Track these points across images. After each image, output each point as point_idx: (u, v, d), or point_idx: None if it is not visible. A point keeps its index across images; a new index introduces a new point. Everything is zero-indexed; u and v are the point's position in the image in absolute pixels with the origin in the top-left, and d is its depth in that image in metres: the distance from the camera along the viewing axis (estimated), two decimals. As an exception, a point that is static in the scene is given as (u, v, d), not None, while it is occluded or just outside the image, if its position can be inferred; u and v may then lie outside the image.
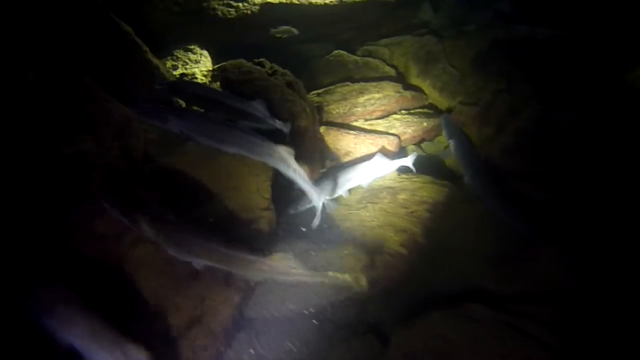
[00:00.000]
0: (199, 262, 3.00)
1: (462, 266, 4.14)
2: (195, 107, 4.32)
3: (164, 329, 2.84)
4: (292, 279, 3.21)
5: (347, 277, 3.33)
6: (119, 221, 3.04)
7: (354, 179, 4.69)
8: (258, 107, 4.29)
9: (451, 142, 5.22)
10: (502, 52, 5.64)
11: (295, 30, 5.93)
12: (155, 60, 5.07)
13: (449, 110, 5.79)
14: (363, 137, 5.25)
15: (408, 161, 4.91)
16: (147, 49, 5.02)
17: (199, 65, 5.90)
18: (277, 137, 4.10)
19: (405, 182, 4.93)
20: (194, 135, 3.76)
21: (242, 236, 3.52)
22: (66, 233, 2.97)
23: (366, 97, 5.73)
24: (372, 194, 4.79)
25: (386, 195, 4.72)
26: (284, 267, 3.15)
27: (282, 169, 3.89)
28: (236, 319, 3.18)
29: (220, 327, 3.03)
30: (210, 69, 5.95)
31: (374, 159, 4.79)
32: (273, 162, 3.90)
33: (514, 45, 5.70)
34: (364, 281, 3.41)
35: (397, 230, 4.25)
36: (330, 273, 3.33)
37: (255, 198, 3.95)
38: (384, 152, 5.01)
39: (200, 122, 3.81)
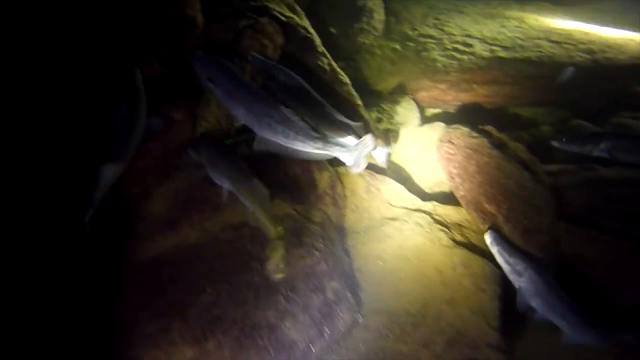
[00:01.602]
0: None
1: None
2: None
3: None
4: None
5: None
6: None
7: None
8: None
9: None
10: None
11: None
12: (367, 115, 4.53)
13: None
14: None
15: None
16: (361, 103, 4.53)
17: (408, 120, 5.20)
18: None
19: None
20: (214, 84, 3.05)
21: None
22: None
23: (627, 190, 4.18)
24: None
25: None
26: None
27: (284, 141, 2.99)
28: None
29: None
30: (419, 125, 5.20)
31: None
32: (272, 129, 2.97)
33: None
34: None
35: None
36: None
37: (479, 324, 2.93)
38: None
39: (222, 69, 3.09)
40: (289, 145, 2.99)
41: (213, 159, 3.07)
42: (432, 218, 3.82)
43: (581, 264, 3.75)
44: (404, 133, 5.06)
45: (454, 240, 3.56)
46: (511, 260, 3.26)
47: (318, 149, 2.96)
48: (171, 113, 3.33)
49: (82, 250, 2.96)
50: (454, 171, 3.92)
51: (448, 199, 4.18)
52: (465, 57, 5.22)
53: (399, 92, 5.42)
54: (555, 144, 4.44)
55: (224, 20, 4.17)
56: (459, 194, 3.87)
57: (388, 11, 5.73)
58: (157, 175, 3.28)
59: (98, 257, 3.04)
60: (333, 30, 5.37)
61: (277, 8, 4.49)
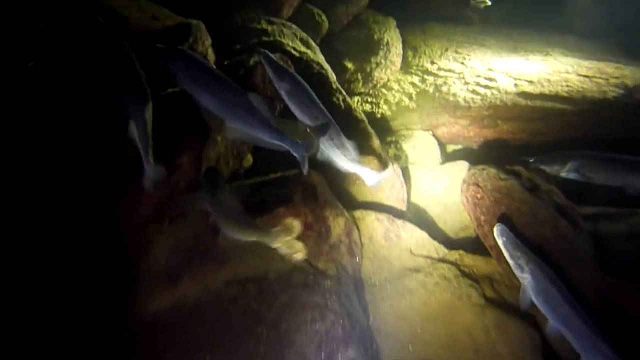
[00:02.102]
0: None
1: None
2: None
3: None
4: None
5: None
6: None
7: None
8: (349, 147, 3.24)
9: None
10: None
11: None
12: (384, 155, 4.26)
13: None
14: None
15: None
16: (378, 141, 4.27)
17: (428, 157, 4.90)
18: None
19: None
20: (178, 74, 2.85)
21: None
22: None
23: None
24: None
25: None
26: None
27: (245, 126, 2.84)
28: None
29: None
30: (440, 163, 4.89)
31: None
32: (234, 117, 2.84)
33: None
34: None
35: None
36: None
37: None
38: None
39: (186, 59, 2.93)
40: (253, 134, 2.86)
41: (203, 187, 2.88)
42: (460, 270, 3.46)
43: (633, 324, 3.32)
44: (425, 172, 4.75)
45: (486, 298, 3.18)
46: (514, 253, 3.03)
47: (274, 139, 2.84)
48: (176, 157, 3.08)
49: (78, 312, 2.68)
50: (482, 218, 3.59)
51: (475, 246, 3.83)
52: (488, 92, 4.95)
53: (419, 128, 5.15)
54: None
55: (235, 56, 4.00)
56: (488, 243, 3.51)
57: (406, 44, 5.54)
58: (158, 225, 3.01)
59: (94, 317, 2.75)
60: (349, 64, 5.18)
61: (291, 43, 4.33)
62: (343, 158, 3.22)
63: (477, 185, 3.75)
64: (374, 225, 3.77)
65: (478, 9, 5.57)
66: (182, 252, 2.95)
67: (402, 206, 4.29)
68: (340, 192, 4.10)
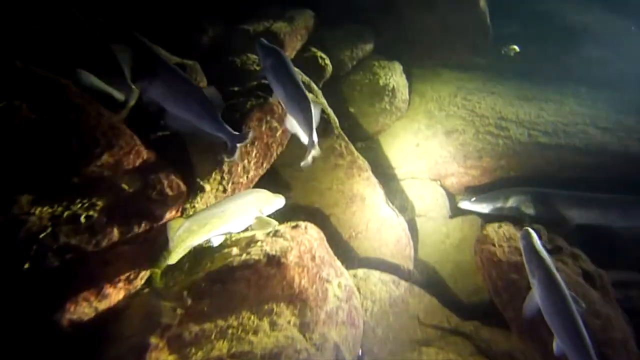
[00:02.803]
0: None
1: None
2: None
3: None
4: None
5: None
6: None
7: None
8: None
9: None
10: None
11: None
12: (390, 205, 3.92)
13: None
14: None
15: None
16: (382, 192, 3.94)
17: (436, 209, 4.54)
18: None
19: None
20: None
21: None
22: None
23: None
24: None
25: None
26: None
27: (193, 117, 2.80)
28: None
29: None
30: (449, 215, 4.52)
31: None
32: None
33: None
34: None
35: None
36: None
37: None
38: None
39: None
40: (198, 125, 2.85)
41: None
42: (475, 345, 3.02)
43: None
44: (432, 226, 4.39)
45: (508, 383, 2.73)
46: (530, 256, 2.86)
47: (213, 130, 2.84)
48: (160, 212, 2.75)
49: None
50: (500, 284, 3.18)
51: (490, 311, 3.40)
52: (500, 141, 4.66)
53: (425, 177, 4.83)
54: (463, 205, 4.36)
55: (232, 98, 3.75)
56: (507, 314, 3.08)
57: (412, 90, 5.32)
58: (130, 286, 2.63)
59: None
60: (352, 110, 4.94)
61: (291, 86, 4.08)
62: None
63: (492, 245, 3.37)
64: (377, 287, 3.37)
65: (508, 56, 5.60)
66: (154, 322, 2.55)
67: (409, 264, 3.90)
68: (340, 247, 3.73)
